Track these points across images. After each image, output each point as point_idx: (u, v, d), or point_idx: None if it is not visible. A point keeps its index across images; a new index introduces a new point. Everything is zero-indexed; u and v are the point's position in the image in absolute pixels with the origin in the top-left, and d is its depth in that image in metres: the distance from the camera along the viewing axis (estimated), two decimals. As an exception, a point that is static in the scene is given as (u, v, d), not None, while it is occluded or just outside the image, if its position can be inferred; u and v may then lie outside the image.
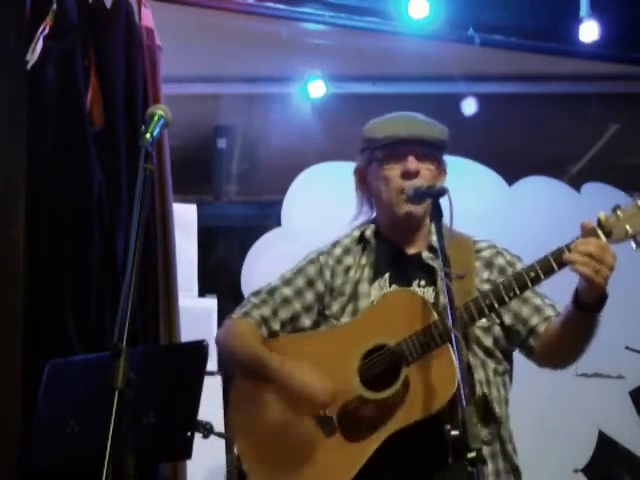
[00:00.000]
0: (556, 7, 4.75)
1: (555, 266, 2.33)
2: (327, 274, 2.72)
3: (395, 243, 2.69)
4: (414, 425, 2.40)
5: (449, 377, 2.33)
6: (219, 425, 3.91)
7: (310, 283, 2.73)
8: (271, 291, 2.75)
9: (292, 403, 2.57)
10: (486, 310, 2.41)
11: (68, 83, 3.80)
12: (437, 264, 2.58)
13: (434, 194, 2.44)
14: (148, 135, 2.23)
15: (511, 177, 5.55)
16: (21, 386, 3.41)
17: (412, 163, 2.58)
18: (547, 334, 2.50)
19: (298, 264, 2.78)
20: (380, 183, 2.64)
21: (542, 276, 2.36)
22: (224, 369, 3.17)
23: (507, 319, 2.57)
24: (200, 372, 3.06)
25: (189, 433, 3.00)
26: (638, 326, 5.24)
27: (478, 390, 2.51)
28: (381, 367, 2.49)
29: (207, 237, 5.82)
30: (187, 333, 3.93)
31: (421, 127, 2.63)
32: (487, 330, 2.56)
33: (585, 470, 5.21)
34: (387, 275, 2.64)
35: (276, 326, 2.72)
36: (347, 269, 2.71)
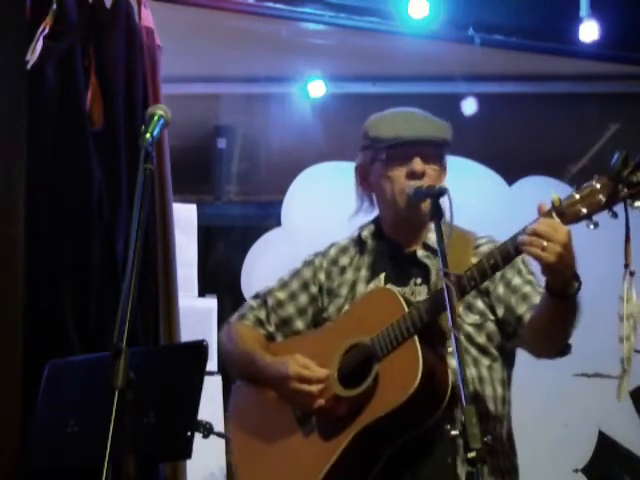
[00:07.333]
0: (556, 7, 4.75)
1: (512, 251, 2.30)
2: (321, 276, 2.74)
3: (394, 241, 2.68)
4: (388, 423, 2.39)
5: (412, 370, 2.34)
6: (219, 425, 3.91)
7: (304, 286, 2.75)
8: (267, 294, 2.79)
9: (278, 403, 2.60)
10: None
11: (68, 83, 3.81)
12: (431, 263, 2.58)
13: (434, 194, 2.44)
14: (148, 135, 2.23)
15: (511, 177, 5.54)
16: (21, 386, 3.41)
17: (418, 164, 2.57)
18: (531, 322, 2.47)
19: (296, 266, 2.80)
20: (384, 182, 2.62)
21: (501, 263, 2.33)
22: (226, 372, 3.21)
23: (499, 312, 2.54)
24: (200, 372, 3.06)
25: (189, 433, 3.00)
26: (639, 326, 5.23)
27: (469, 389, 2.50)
28: (356, 364, 2.50)
29: (207, 237, 5.82)
30: (187, 333, 3.94)
31: (427, 127, 2.61)
32: (480, 327, 2.54)
33: (585, 470, 5.20)
34: (382, 275, 2.64)
35: (271, 329, 2.76)
36: (343, 270, 2.72)
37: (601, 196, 2.18)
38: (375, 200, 2.72)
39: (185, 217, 4.96)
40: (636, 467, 5.24)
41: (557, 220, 2.23)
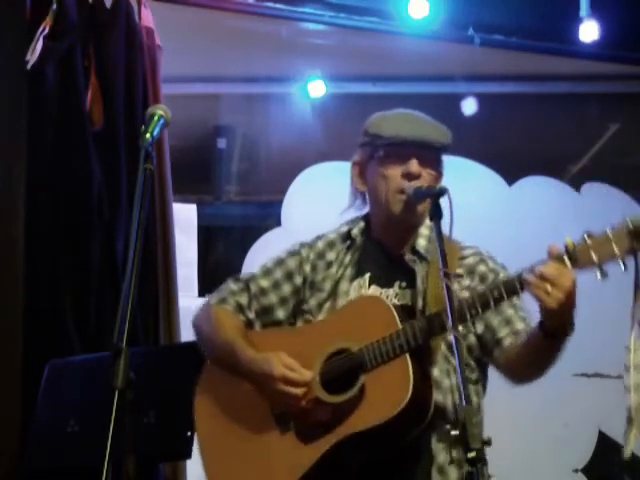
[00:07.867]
0: (556, 7, 4.76)
1: (518, 287, 2.31)
2: (307, 268, 2.69)
3: (383, 242, 2.66)
4: (369, 434, 2.38)
5: (402, 388, 2.33)
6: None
7: (289, 276, 2.70)
8: (250, 280, 2.73)
9: (256, 397, 2.56)
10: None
11: (68, 83, 3.81)
12: (418, 268, 2.57)
13: (434, 194, 2.43)
14: (148, 135, 2.23)
15: (511, 177, 5.55)
16: (21, 386, 3.41)
17: (414, 166, 2.55)
18: (510, 349, 2.49)
19: (279, 255, 2.75)
20: (379, 180, 2.60)
21: (505, 297, 2.34)
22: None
23: (479, 328, 2.55)
24: (200, 372, 3.05)
25: (189, 433, 3.00)
26: (638, 326, 5.23)
27: (447, 398, 2.49)
28: (341, 371, 2.47)
29: (207, 237, 5.82)
30: (187, 333, 3.94)
31: (427, 130, 2.59)
32: (462, 338, 2.49)
33: (585, 470, 5.21)
34: (367, 275, 2.62)
35: (251, 315, 2.70)
36: (329, 264, 2.68)
37: (614, 246, 2.19)
38: (368, 198, 2.69)
39: (185, 217, 4.97)
40: (636, 467, 5.23)
41: (567, 266, 2.23)
